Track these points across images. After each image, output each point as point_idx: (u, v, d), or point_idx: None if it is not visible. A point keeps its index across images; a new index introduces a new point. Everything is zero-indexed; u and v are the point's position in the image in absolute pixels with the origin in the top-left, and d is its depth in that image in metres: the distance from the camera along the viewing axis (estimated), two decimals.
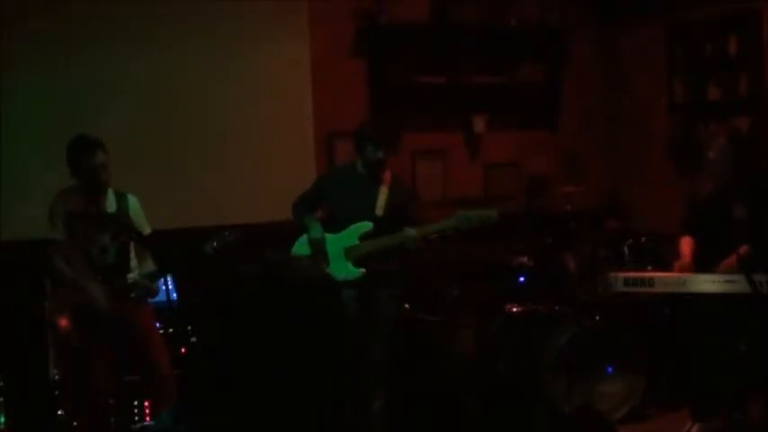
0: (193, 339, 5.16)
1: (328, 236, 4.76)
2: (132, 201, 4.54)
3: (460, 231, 4.73)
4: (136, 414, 4.94)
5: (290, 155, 6.04)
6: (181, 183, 5.78)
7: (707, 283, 4.45)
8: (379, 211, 4.76)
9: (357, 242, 4.73)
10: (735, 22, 6.27)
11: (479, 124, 6.80)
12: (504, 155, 6.95)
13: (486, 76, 6.81)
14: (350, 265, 4.69)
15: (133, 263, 4.52)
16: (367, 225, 4.73)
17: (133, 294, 4.40)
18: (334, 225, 4.79)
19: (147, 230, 4.56)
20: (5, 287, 5.01)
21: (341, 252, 4.71)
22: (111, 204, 4.44)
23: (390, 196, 4.79)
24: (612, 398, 5.09)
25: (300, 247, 4.82)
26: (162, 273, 4.47)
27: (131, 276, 4.46)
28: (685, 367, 4.88)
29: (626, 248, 5.70)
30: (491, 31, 6.76)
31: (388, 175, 4.83)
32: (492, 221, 4.72)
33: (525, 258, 5.79)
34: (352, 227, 4.73)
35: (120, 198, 4.49)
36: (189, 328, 5.15)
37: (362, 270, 4.69)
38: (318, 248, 4.73)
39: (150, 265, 4.54)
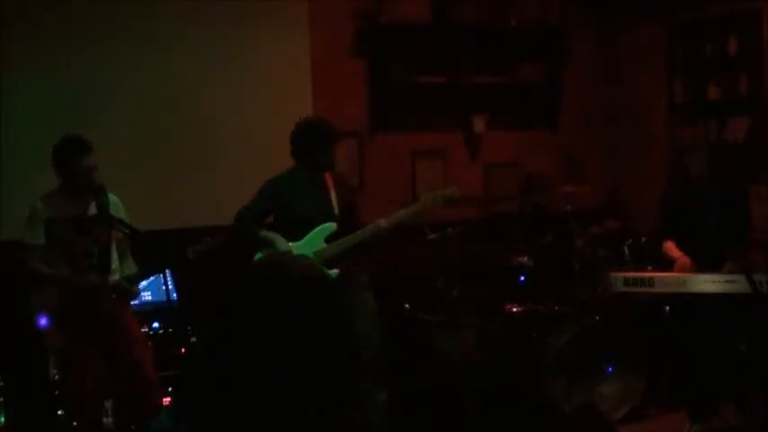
0: (193, 339, 5.16)
1: (292, 245, 4.68)
2: (113, 199, 4.45)
3: (426, 213, 4.84)
4: None
5: (290, 155, 6.02)
6: (180, 183, 5.78)
7: (707, 283, 4.46)
8: (336, 211, 4.76)
9: (324, 245, 4.71)
10: (735, 22, 6.27)
11: (479, 124, 6.80)
12: (504, 155, 6.95)
13: (486, 76, 6.80)
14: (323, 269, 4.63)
15: (114, 265, 4.46)
16: (330, 227, 4.72)
17: (114, 296, 4.35)
18: (291, 233, 4.69)
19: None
20: (5, 287, 5.01)
21: (310, 258, 4.67)
22: (92, 204, 4.40)
23: (339, 195, 4.81)
24: (612, 398, 5.09)
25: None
26: (144, 274, 4.47)
27: (112, 279, 4.41)
28: (685, 367, 4.88)
29: (626, 248, 5.70)
30: (491, 31, 6.76)
31: (328, 175, 4.83)
32: (455, 198, 4.83)
33: (525, 258, 5.79)
34: (315, 231, 4.70)
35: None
36: (189, 328, 5.15)
37: (336, 271, 4.64)
38: None
39: (131, 267, 4.52)
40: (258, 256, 4.71)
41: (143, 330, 5.03)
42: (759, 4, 6.09)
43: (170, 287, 5.00)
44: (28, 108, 5.42)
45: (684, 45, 6.67)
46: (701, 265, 4.57)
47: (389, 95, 6.49)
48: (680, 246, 4.74)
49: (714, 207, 4.70)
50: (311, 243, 4.70)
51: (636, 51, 7.07)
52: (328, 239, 4.72)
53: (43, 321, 4.29)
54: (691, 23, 6.58)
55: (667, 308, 5.27)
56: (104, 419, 4.65)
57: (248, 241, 4.73)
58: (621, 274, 4.78)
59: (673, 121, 6.76)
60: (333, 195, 4.79)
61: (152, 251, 4.35)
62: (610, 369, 5.17)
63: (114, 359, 4.39)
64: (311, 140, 4.72)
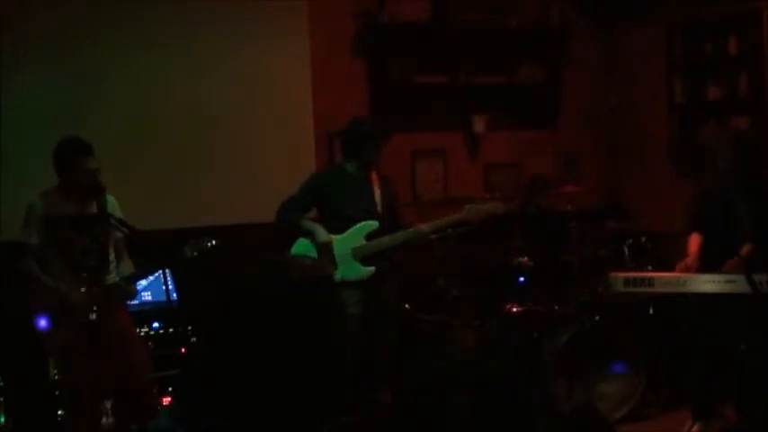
0: (193, 339, 5.15)
1: (333, 237, 4.75)
2: (111, 200, 4.44)
3: (468, 225, 4.95)
4: None
5: (290, 155, 6.04)
6: (180, 183, 5.79)
7: (707, 283, 4.45)
8: (379, 210, 4.83)
9: (363, 242, 4.76)
10: (735, 22, 6.26)
11: (479, 124, 6.81)
12: (504, 155, 6.96)
13: (486, 76, 6.80)
14: (359, 265, 4.72)
15: (111, 265, 4.45)
16: (372, 224, 4.78)
17: (111, 297, 4.33)
18: (333, 227, 4.78)
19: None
20: (5, 287, 5.01)
21: (348, 252, 4.73)
22: (91, 204, 4.39)
23: (383, 194, 4.88)
24: (612, 398, 5.09)
25: (299, 248, 4.80)
26: (142, 274, 4.47)
27: (110, 279, 4.40)
28: (685, 367, 4.88)
29: (626, 248, 5.70)
30: (491, 31, 6.75)
31: (374, 175, 4.90)
32: (498, 212, 4.95)
33: (525, 258, 5.79)
34: (357, 227, 4.76)
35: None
36: (189, 328, 5.14)
37: (372, 268, 4.73)
38: (327, 251, 4.72)
39: (129, 267, 4.50)
40: (298, 243, 4.78)
41: (143, 330, 5.03)
42: (759, 4, 6.08)
43: (170, 287, 5.00)
44: (28, 108, 5.42)
45: (684, 45, 6.66)
46: (720, 264, 4.53)
47: (389, 95, 6.49)
48: (708, 241, 4.71)
49: (741, 204, 4.63)
50: (352, 238, 4.76)
51: (636, 51, 7.06)
52: (369, 237, 4.78)
53: (42, 323, 4.29)
54: (691, 23, 6.57)
55: (667, 308, 5.26)
56: (104, 419, 4.65)
57: (290, 229, 4.82)
58: (621, 274, 4.77)
59: (673, 121, 6.76)
60: (377, 194, 4.87)
61: (150, 251, 4.34)
62: (610, 369, 5.17)
63: (111, 360, 4.37)
64: (361, 139, 4.80)
